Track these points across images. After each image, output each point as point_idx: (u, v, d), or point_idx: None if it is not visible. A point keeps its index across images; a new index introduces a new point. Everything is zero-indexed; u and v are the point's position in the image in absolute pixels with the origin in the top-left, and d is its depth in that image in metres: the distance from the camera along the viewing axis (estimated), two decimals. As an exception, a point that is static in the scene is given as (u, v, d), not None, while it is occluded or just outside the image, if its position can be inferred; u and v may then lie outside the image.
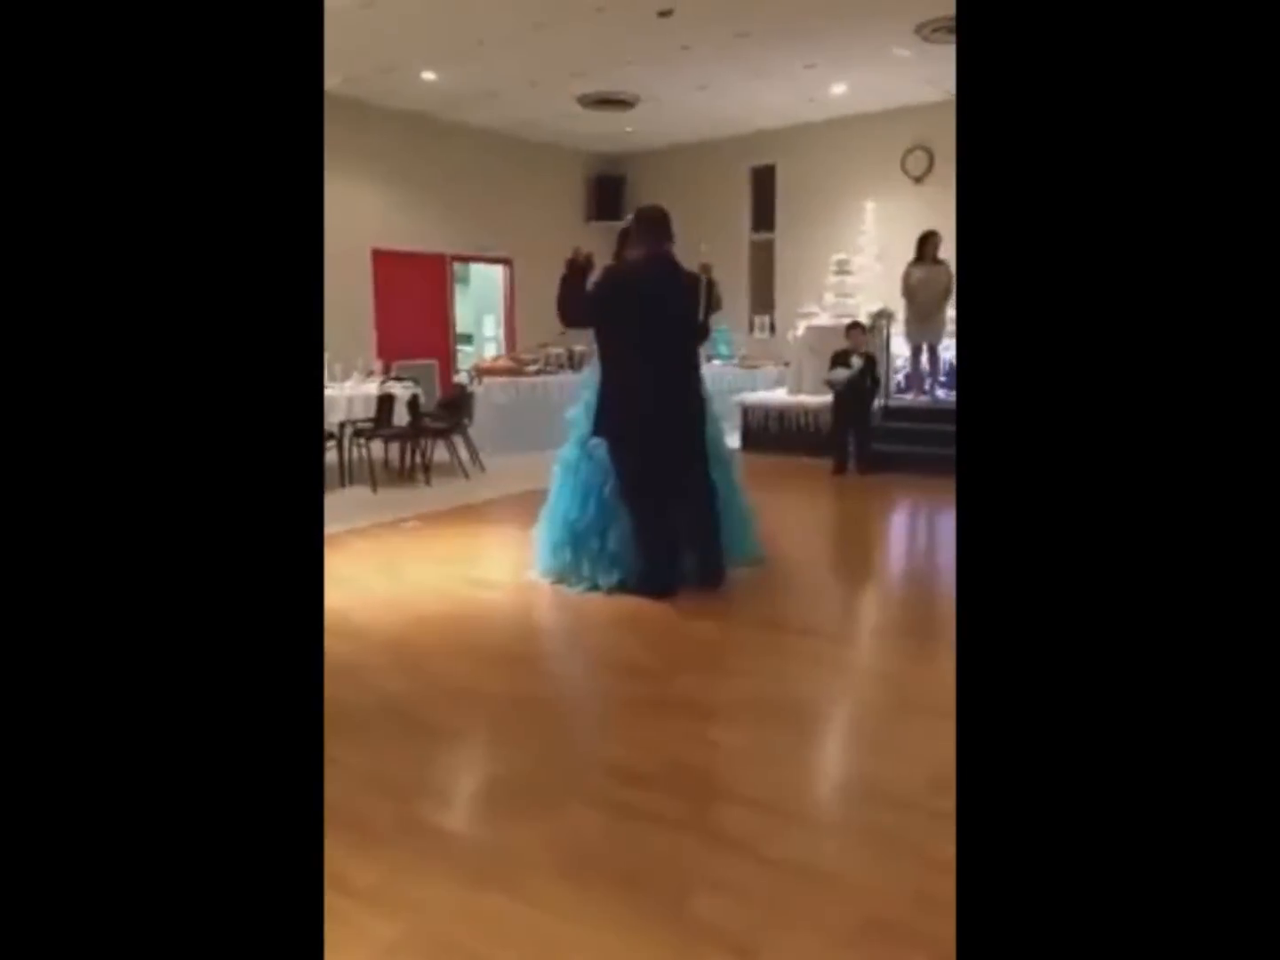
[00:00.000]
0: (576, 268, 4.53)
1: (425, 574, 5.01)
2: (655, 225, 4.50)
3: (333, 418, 7.30)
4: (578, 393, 4.97)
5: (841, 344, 8.31)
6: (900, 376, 9.38)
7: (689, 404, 4.58)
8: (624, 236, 4.78)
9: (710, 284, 4.56)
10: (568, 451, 4.76)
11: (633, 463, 4.43)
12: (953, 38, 8.20)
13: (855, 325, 8.48)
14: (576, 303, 4.49)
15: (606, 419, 4.45)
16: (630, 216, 4.82)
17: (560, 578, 4.67)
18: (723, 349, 11.61)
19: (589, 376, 4.96)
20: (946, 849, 2.23)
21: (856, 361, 8.10)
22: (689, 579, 4.55)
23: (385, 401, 7.52)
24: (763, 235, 12.70)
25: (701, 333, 4.65)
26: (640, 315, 4.34)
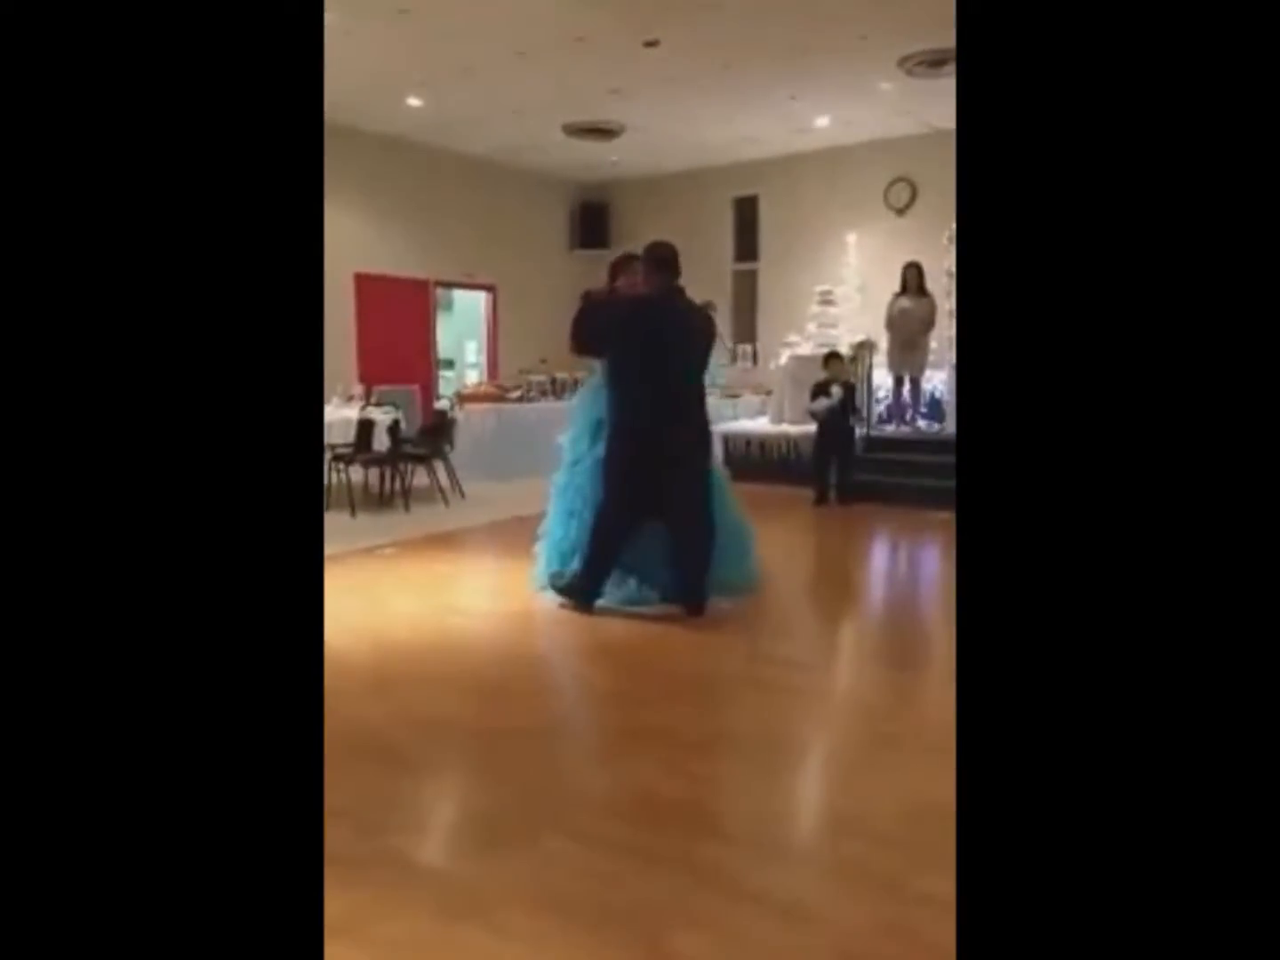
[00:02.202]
0: (592, 301, 4.79)
1: (402, 601, 4.96)
2: (667, 262, 4.67)
3: (312, 442, 7.24)
4: (571, 417, 5.08)
5: (822, 374, 8.35)
6: (882, 407, 9.42)
7: (696, 434, 4.77)
8: (615, 268, 4.94)
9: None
10: (559, 476, 4.97)
11: (618, 481, 4.55)
12: (935, 72, 8.30)
13: (833, 355, 8.52)
14: (593, 331, 4.68)
15: (610, 443, 4.60)
16: (623, 251, 5.09)
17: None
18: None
19: (580, 403, 5.06)
20: (922, 883, 2.21)
21: (837, 391, 8.13)
22: (665, 599, 4.64)
23: (365, 426, 7.48)
24: (745, 265, 12.76)
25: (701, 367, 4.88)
26: (654, 348, 4.51)
